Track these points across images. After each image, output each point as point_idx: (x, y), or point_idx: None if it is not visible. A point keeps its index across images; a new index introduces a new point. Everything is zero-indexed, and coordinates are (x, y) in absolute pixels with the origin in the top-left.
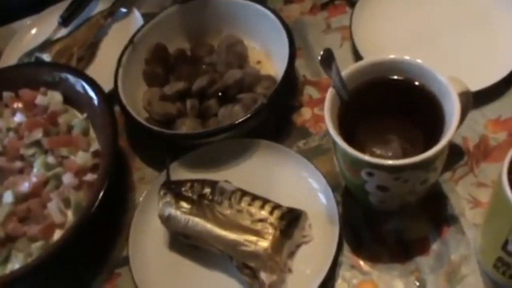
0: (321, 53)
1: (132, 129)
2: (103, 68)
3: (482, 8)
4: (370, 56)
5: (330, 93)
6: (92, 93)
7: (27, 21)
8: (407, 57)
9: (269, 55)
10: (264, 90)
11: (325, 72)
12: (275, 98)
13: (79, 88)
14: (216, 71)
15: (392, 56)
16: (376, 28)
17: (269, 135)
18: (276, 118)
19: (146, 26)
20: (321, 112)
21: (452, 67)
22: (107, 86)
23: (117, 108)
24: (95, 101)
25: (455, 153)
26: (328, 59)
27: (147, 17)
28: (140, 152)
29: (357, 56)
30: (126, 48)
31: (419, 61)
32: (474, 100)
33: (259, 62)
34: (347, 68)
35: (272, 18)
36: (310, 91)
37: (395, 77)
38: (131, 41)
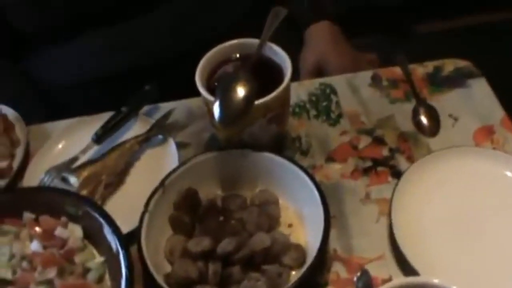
0: (358, 274)
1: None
2: (130, 196)
3: None
4: (404, 239)
5: None
6: (112, 242)
7: (61, 124)
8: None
9: (301, 219)
10: (292, 262)
11: None
12: (301, 284)
13: (100, 230)
14: (245, 228)
15: (421, 279)
16: (418, 208)
17: None
18: None
19: (179, 170)
20: None
21: (495, 274)
22: (131, 222)
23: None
24: (114, 249)
25: None
26: (364, 279)
27: (181, 146)
28: None
29: (392, 238)
30: (156, 190)
31: None
32: None
33: (290, 226)
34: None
35: (308, 184)
36: (338, 269)
37: None
38: (162, 183)
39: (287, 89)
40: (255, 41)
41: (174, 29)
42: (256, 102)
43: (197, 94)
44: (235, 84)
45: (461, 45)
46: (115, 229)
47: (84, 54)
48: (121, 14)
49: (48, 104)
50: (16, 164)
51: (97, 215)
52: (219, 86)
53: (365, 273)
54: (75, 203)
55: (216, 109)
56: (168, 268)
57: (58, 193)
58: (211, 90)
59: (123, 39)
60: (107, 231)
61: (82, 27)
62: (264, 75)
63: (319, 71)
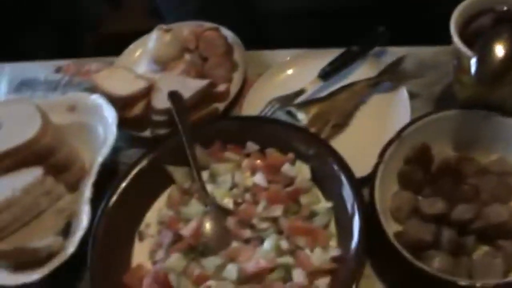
0: None
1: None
2: (355, 140)
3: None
4: None
5: None
6: (345, 189)
7: (281, 53)
8: None
9: None
10: None
11: None
12: None
13: (331, 174)
14: (478, 196)
15: None
16: None
17: None
18: None
19: (417, 123)
20: None
21: None
22: (354, 167)
23: None
24: (345, 197)
25: None
26: None
27: (410, 96)
28: None
29: None
30: (391, 141)
31: None
32: None
33: None
34: None
35: None
36: None
37: None
38: (398, 135)
39: None
40: None
41: None
42: None
43: (428, 43)
44: (497, 40)
45: None
46: (350, 176)
47: None
48: None
49: (265, 33)
50: (234, 88)
51: (330, 158)
52: (481, 41)
53: None
54: (305, 140)
55: (475, 64)
56: (392, 224)
57: (287, 127)
58: (465, 42)
59: None
60: (340, 177)
61: None
62: None
63: None
